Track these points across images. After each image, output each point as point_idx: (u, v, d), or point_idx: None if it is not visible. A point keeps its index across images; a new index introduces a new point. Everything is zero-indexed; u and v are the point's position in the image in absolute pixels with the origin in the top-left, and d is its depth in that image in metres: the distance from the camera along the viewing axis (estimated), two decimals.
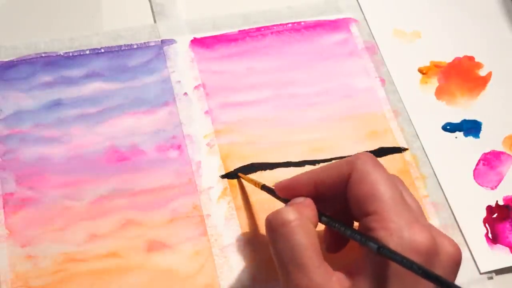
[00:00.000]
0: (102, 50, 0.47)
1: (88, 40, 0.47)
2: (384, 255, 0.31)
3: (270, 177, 0.44)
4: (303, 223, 0.34)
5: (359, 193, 0.34)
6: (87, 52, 0.47)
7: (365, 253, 0.33)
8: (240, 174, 0.43)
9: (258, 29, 0.50)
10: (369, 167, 0.34)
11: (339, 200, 0.35)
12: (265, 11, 0.51)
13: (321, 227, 0.37)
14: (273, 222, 0.35)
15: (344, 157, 0.44)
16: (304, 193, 0.36)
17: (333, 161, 0.37)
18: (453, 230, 0.44)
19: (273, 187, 0.38)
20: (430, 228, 0.34)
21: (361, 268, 0.32)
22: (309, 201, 0.36)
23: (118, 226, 0.41)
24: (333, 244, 0.38)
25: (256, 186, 0.41)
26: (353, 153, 0.44)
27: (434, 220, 0.44)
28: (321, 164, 0.44)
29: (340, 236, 0.38)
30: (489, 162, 0.47)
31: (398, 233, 0.32)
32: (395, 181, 0.35)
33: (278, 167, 0.44)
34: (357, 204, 0.34)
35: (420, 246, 0.32)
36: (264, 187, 0.40)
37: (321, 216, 0.36)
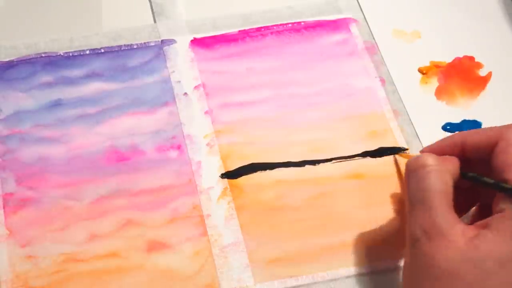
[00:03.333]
0: (102, 50, 0.47)
1: (88, 40, 0.47)
2: None
3: (270, 177, 0.44)
4: (441, 170, 0.35)
5: (503, 160, 0.34)
6: (87, 52, 0.47)
7: (499, 208, 0.33)
8: (400, 155, 0.44)
9: (258, 29, 0.50)
10: None
11: (484, 166, 0.36)
12: (265, 11, 0.51)
13: None
14: (412, 164, 0.36)
15: (345, 157, 0.44)
16: (451, 154, 0.38)
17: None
18: None
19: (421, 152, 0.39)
20: None
21: (489, 223, 0.33)
22: (453, 158, 0.37)
23: (118, 226, 0.41)
24: (459, 207, 0.38)
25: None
26: (353, 153, 0.45)
27: None
28: (321, 164, 0.44)
29: (467, 199, 0.38)
30: None
31: None
32: None
33: (278, 167, 0.44)
34: (500, 172, 0.34)
35: None
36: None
37: (466, 173, 0.37)
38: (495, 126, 0.37)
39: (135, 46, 0.48)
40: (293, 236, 0.41)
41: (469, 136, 0.38)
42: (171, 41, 0.48)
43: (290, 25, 0.51)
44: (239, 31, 0.50)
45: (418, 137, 0.47)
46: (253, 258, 0.41)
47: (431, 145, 0.40)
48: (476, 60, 0.51)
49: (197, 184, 0.43)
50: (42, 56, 0.46)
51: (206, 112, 0.46)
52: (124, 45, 0.48)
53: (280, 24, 0.51)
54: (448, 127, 0.48)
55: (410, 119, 0.48)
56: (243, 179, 0.43)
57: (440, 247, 0.33)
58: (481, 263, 0.32)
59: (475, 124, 0.48)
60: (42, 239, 0.40)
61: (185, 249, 0.41)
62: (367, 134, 0.47)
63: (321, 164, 0.44)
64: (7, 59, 0.46)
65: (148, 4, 0.50)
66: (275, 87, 0.48)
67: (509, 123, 0.48)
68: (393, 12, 0.53)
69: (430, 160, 0.36)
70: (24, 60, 0.46)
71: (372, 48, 0.51)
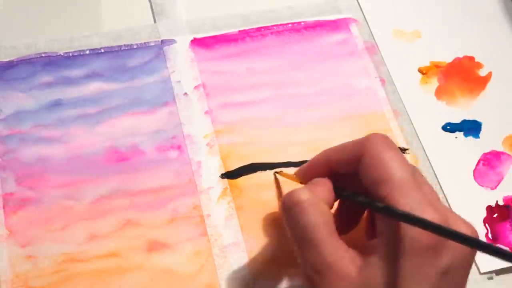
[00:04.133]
0: (102, 50, 0.47)
1: (88, 40, 0.47)
2: (402, 219, 0.31)
3: (270, 177, 0.44)
4: (316, 202, 0.34)
5: (370, 176, 0.34)
6: (87, 52, 0.47)
7: (378, 231, 0.33)
8: (277, 173, 0.43)
9: (258, 29, 0.50)
10: (380, 149, 0.34)
11: (356, 180, 0.35)
12: (265, 11, 0.51)
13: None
14: (286, 202, 0.35)
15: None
16: (321, 174, 0.37)
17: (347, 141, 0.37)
18: None
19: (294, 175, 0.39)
20: (443, 209, 0.33)
21: (375, 247, 0.33)
22: (324, 181, 0.36)
23: (118, 226, 0.41)
24: (343, 225, 0.38)
25: (296, 182, 0.40)
26: None
27: None
28: None
29: (350, 217, 0.38)
30: (489, 162, 0.47)
31: None
32: (408, 162, 0.34)
33: (278, 167, 0.44)
34: (369, 186, 0.34)
35: None
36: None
37: (341, 191, 0.36)
38: (357, 140, 0.35)
39: (135, 46, 0.48)
40: None
41: (333, 154, 0.37)
42: (171, 41, 0.48)
43: (290, 25, 0.51)
44: (239, 31, 0.50)
45: (418, 137, 0.47)
46: (253, 258, 0.41)
47: (303, 167, 0.39)
48: (476, 60, 0.51)
49: (197, 184, 0.43)
50: (42, 56, 0.46)
51: (206, 112, 0.46)
52: (124, 45, 0.48)
53: (280, 24, 0.51)
54: (448, 127, 0.48)
55: (410, 119, 0.48)
56: (243, 179, 0.43)
57: (334, 282, 0.32)
58: None
59: (475, 124, 0.48)
60: (42, 239, 0.40)
61: (185, 249, 0.41)
62: (367, 134, 0.46)
63: None
64: (7, 59, 0.46)
65: (148, 4, 0.50)
66: (275, 87, 0.48)
67: (508, 123, 0.49)
68: (393, 12, 0.53)
69: (303, 195, 0.34)
70: (24, 60, 0.46)
71: (372, 48, 0.51)
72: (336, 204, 0.38)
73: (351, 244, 0.34)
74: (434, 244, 0.31)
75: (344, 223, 0.38)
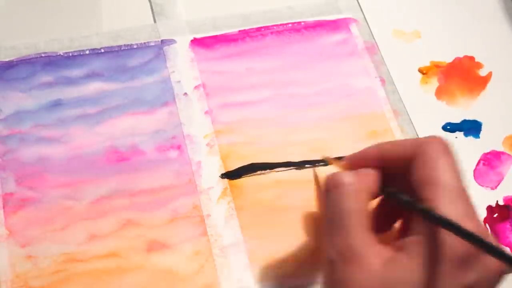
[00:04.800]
0: (102, 50, 0.47)
1: (88, 40, 0.47)
2: (444, 225, 0.31)
3: (270, 177, 0.44)
4: (358, 189, 0.34)
5: (421, 176, 0.33)
6: (87, 52, 0.47)
7: (415, 232, 0.32)
8: (329, 160, 0.41)
9: (258, 29, 0.50)
10: (436, 153, 0.33)
11: (403, 179, 0.34)
12: (265, 11, 0.51)
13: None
14: (329, 182, 0.35)
15: (344, 157, 0.44)
16: (371, 166, 0.36)
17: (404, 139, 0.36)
18: None
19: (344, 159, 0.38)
20: (480, 226, 0.32)
21: (406, 246, 0.32)
22: (373, 172, 0.36)
23: (118, 226, 0.41)
24: (378, 225, 0.37)
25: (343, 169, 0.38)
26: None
27: None
28: (321, 164, 0.44)
29: (387, 218, 0.37)
30: (489, 162, 0.47)
31: None
32: (461, 173, 0.34)
33: (278, 167, 0.44)
34: (417, 187, 0.33)
35: None
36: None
37: (385, 188, 0.35)
38: (416, 139, 0.35)
39: (135, 46, 0.48)
40: (293, 236, 0.41)
41: (388, 147, 0.36)
42: (171, 41, 0.48)
43: (290, 25, 0.51)
44: (239, 31, 0.50)
45: (418, 137, 0.47)
46: (253, 258, 0.41)
47: (353, 154, 0.37)
48: (476, 60, 0.51)
49: (197, 184, 0.43)
50: (42, 56, 0.46)
51: (206, 112, 0.46)
52: (124, 45, 0.48)
53: (280, 24, 0.51)
54: (448, 127, 0.48)
55: (410, 119, 0.48)
56: (243, 179, 0.43)
57: (355, 270, 0.32)
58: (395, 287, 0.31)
59: (475, 124, 0.48)
60: (42, 239, 0.40)
61: (185, 249, 0.41)
62: (367, 134, 0.47)
63: (321, 164, 0.44)
64: (7, 59, 0.46)
65: (148, 4, 0.50)
66: (275, 87, 0.48)
67: (508, 123, 0.49)
68: (393, 12, 0.53)
69: (347, 178, 0.34)
70: (24, 60, 0.46)
71: (372, 48, 0.51)
72: (376, 202, 0.37)
73: (381, 242, 0.33)
74: (467, 257, 0.31)
75: (379, 223, 0.37)
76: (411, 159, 0.34)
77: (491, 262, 0.32)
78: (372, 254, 0.32)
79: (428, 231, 0.31)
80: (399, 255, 0.32)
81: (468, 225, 0.31)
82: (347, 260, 0.32)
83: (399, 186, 0.35)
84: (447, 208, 0.31)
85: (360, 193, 0.34)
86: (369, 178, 0.35)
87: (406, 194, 0.34)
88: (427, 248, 0.31)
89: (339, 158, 0.38)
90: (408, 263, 0.31)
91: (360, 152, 0.37)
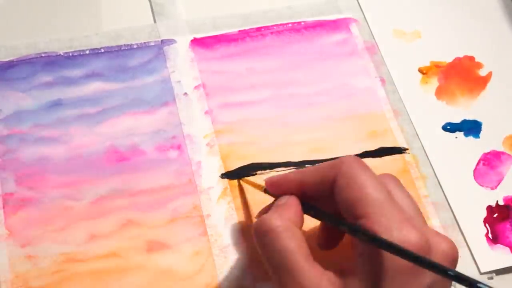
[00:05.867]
0: (102, 50, 0.47)
1: (88, 40, 0.47)
2: (374, 243, 0.31)
3: None
4: (288, 228, 0.34)
5: (347, 197, 0.34)
6: (87, 52, 0.47)
7: (358, 252, 0.33)
8: (242, 180, 0.43)
9: (258, 29, 0.50)
10: (355, 171, 0.34)
11: (328, 202, 0.35)
12: (265, 11, 0.51)
13: (316, 223, 0.37)
14: (258, 230, 0.35)
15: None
16: (292, 192, 0.37)
17: (320, 163, 0.37)
18: (453, 230, 0.44)
19: (264, 182, 0.38)
20: (422, 227, 0.33)
21: (354, 268, 0.32)
22: (292, 200, 0.36)
23: (118, 226, 0.41)
24: (327, 241, 0.38)
25: (259, 189, 0.41)
26: (353, 153, 0.45)
27: (435, 220, 0.44)
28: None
29: (334, 233, 0.38)
30: (489, 162, 0.47)
31: (387, 233, 0.31)
32: (384, 182, 0.35)
33: (278, 167, 0.44)
34: (346, 208, 0.34)
35: (409, 244, 0.31)
36: (267, 191, 0.40)
37: (309, 208, 0.36)
38: (330, 162, 0.35)
39: (135, 46, 0.48)
40: None
41: (307, 176, 0.36)
42: (171, 41, 0.48)
43: (290, 25, 0.51)
44: (239, 31, 0.50)
45: (418, 137, 0.47)
46: (253, 258, 0.41)
47: (274, 177, 0.38)
48: (476, 60, 0.51)
49: (197, 184, 0.43)
50: (42, 56, 0.46)
51: (206, 112, 0.46)
52: (124, 45, 0.48)
53: (280, 24, 0.51)
54: (448, 127, 0.48)
55: (410, 119, 0.48)
56: (243, 179, 0.43)
57: None
58: None
59: (475, 124, 0.48)
60: (42, 239, 0.40)
61: (185, 249, 0.41)
62: (367, 134, 0.47)
63: None
64: (7, 59, 0.46)
65: (148, 4, 0.50)
66: (275, 87, 0.48)
67: (508, 123, 0.49)
68: (393, 12, 0.53)
69: (274, 221, 0.34)
70: (24, 60, 0.46)
71: (372, 48, 0.51)
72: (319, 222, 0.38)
73: (330, 263, 0.34)
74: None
75: (328, 239, 0.38)
76: (332, 182, 0.34)
77: (441, 256, 0.32)
78: (325, 286, 0.32)
79: (370, 248, 0.32)
80: (350, 281, 0.32)
81: (405, 231, 0.31)
82: None
83: (328, 208, 0.36)
84: (380, 221, 0.32)
85: (292, 230, 0.34)
86: (292, 210, 0.36)
87: (330, 213, 0.35)
88: (375, 267, 0.31)
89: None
90: (360, 285, 0.32)
91: (280, 178, 0.38)
